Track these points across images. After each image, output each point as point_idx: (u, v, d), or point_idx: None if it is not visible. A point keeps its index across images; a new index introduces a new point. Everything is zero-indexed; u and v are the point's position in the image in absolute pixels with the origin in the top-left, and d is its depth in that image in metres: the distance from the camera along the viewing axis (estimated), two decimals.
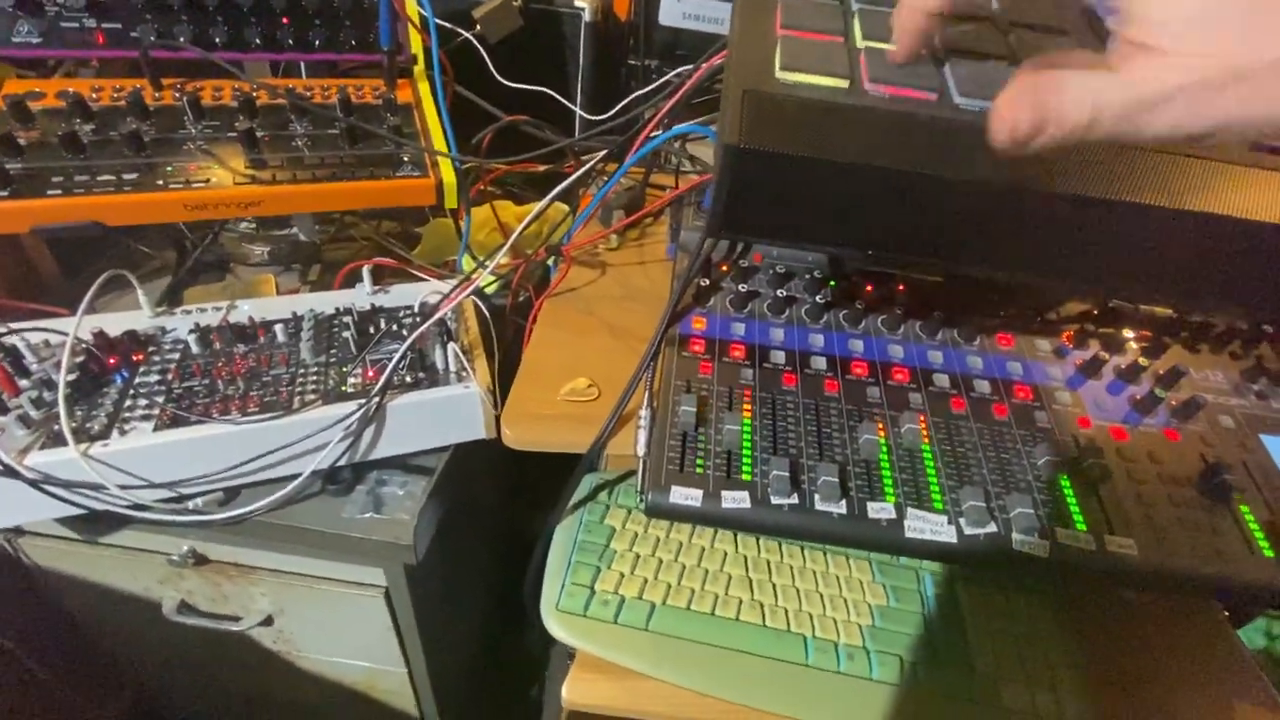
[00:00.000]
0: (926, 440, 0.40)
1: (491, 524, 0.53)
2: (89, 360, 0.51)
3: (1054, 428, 0.41)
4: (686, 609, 0.43)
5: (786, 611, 0.43)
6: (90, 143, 0.49)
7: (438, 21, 0.63)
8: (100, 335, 0.53)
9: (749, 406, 0.40)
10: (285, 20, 0.57)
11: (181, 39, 0.54)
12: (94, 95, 0.53)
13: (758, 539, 0.46)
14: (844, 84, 0.28)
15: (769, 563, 0.45)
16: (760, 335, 0.45)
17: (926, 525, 0.36)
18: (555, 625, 0.42)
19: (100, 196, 0.47)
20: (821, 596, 0.44)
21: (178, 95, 0.54)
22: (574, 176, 0.52)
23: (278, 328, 0.56)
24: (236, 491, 0.53)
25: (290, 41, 0.57)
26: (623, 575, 0.44)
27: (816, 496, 0.36)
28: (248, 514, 0.52)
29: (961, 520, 0.36)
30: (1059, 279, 0.36)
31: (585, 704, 0.40)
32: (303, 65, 0.64)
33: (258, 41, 0.57)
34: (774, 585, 0.44)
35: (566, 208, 0.65)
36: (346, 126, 0.54)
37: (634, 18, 0.85)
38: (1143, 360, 0.45)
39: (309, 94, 0.57)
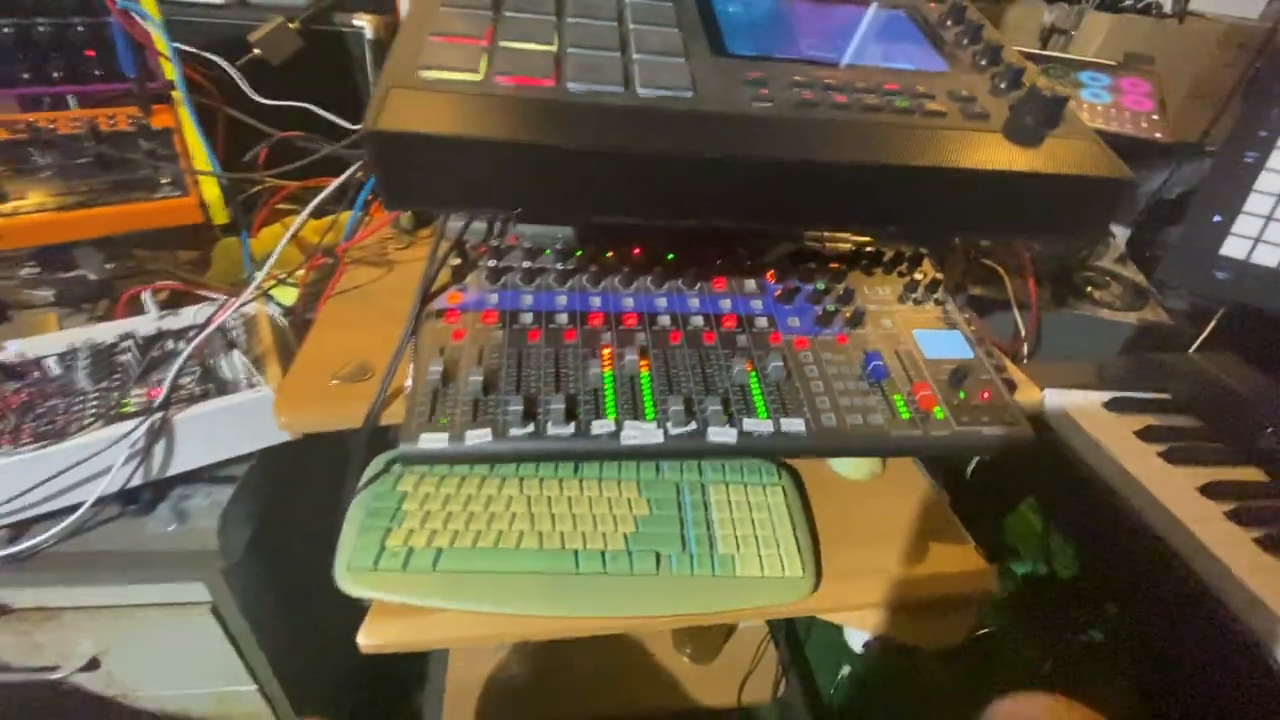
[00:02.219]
0: (645, 369, 0.48)
1: (324, 522, 0.55)
2: None
3: (750, 346, 0.51)
4: (471, 547, 0.48)
5: (561, 534, 0.50)
6: None
7: (187, 49, 0.65)
8: None
9: (496, 359, 0.47)
10: (18, 55, 0.57)
11: None
12: None
13: (539, 477, 0.53)
14: (476, 77, 0.35)
15: (548, 498, 0.52)
16: (511, 302, 0.52)
17: (639, 432, 0.44)
18: (348, 583, 0.46)
19: None
20: (593, 516, 0.51)
21: None
22: (333, 186, 0.57)
23: (50, 361, 0.56)
24: (26, 527, 0.52)
25: (26, 75, 0.57)
26: (411, 530, 0.49)
27: (549, 423, 0.43)
28: (37, 546, 0.51)
29: (668, 424, 0.44)
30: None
31: (380, 645, 0.45)
32: (71, 98, 0.63)
33: None
34: (551, 514, 0.51)
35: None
36: (97, 154, 0.55)
37: None
38: (826, 285, 0.56)
39: (53, 125, 0.57)
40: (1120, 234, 1.17)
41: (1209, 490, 0.57)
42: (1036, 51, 0.93)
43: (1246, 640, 0.48)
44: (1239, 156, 0.66)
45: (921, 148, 0.36)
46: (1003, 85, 0.43)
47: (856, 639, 0.89)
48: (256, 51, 0.80)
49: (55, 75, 0.58)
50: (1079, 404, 0.67)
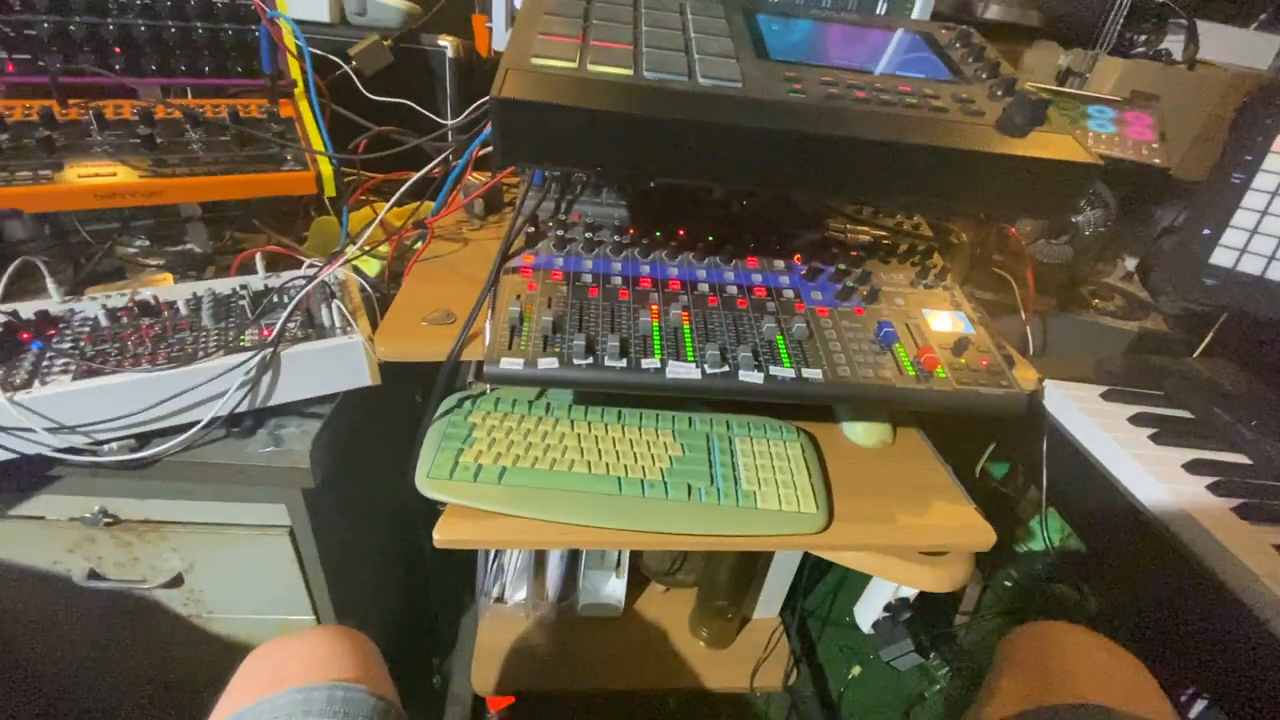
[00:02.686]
0: (687, 322, 0.56)
1: (391, 469, 0.64)
2: (5, 333, 0.59)
3: (778, 311, 0.59)
4: (531, 468, 0.56)
5: (607, 464, 0.57)
6: (7, 148, 0.59)
7: (320, 53, 0.77)
8: (14, 315, 0.61)
9: (562, 307, 0.56)
10: (178, 51, 0.69)
11: (85, 66, 0.65)
12: (6, 112, 0.62)
13: (587, 420, 0.61)
14: (573, 65, 0.44)
15: (596, 436, 0.60)
16: (574, 266, 0.61)
17: (681, 370, 0.52)
18: (426, 487, 0.54)
19: (19, 188, 0.56)
20: (634, 453, 0.59)
21: (83, 112, 0.64)
22: (424, 171, 0.67)
23: (180, 303, 0.66)
24: (148, 438, 0.61)
25: (183, 68, 0.69)
26: (481, 451, 0.57)
27: (605, 357, 0.51)
28: (159, 454, 0.60)
29: (705, 366, 0.52)
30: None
31: (451, 540, 0.53)
32: (189, 90, 0.75)
33: (153, 68, 0.68)
34: (599, 449, 0.59)
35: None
36: (236, 133, 0.66)
37: (492, 53, 1.03)
38: (847, 267, 0.64)
39: (201, 109, 0.69)
40: (1130, 261, 1.23)
41: (1192, 466, 0.62)
42: (1050, 87, 1.02)
43: (1219, 589, 0.53)
44: (1227, 178, 0.73)
45: (925, 132, 0.44)
46: (999, 92, 0.51)
47: (866, 619, 0.94)
48: (354, 63, 0.93)
49: (205, 69, 0.70)
50: (1076, 394, 0.73)
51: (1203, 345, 0.82)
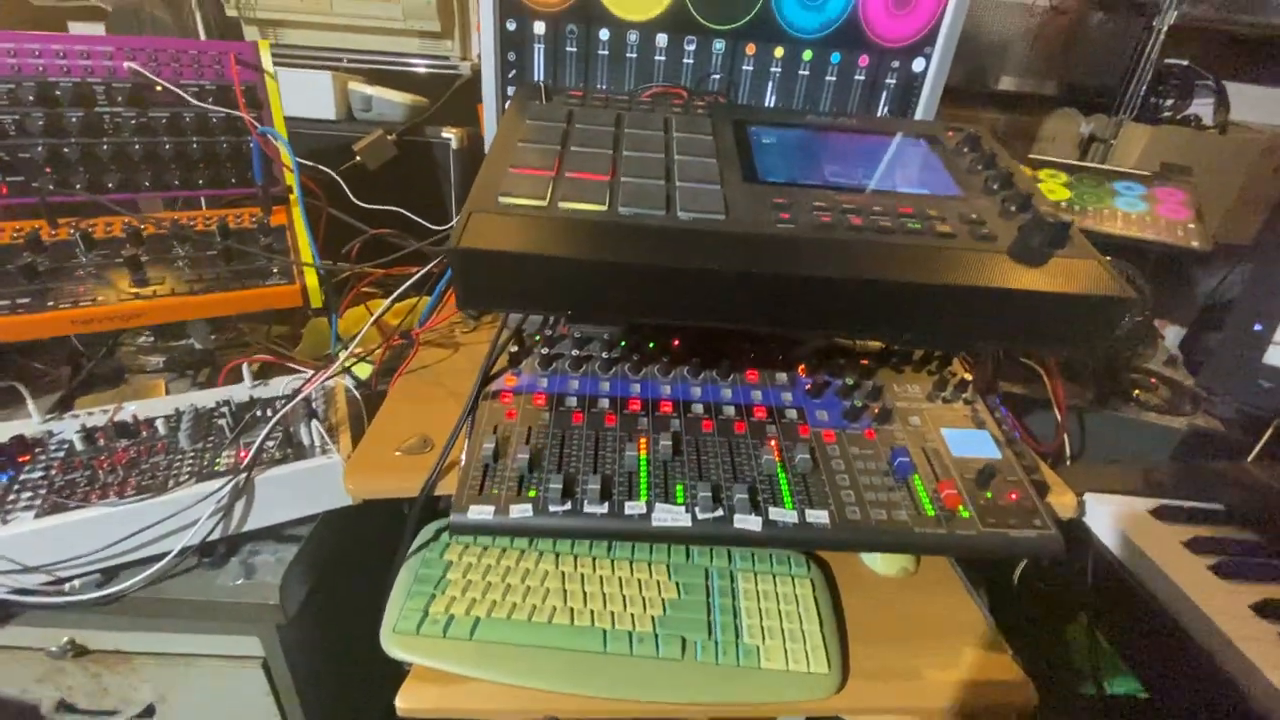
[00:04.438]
0: (677, 455, 0.51)
1: (371, 588, 0.60)
2: None
3: (779, 436, 0.54)
4: (507, 619, 0.51)
5: (592, 611, 0.52)
6: None
7: (308, 163, 0.77)
8: None
9: (542, 439, 0.51)
10: (173, 165, 0.69)
11: (78, 186, 0.65)
12: None
13: (574, 553, 0.56)
14: (543, 203, 0.42)
15: (581, 574, 0.55)
16: (559, 386, 0.57)
17: (669, 515, 0.47)
18: (392, 646, 0.50)
19: None
20: (623, 596, 0.53)
21: (72, 231, 0.64)
22: (416, 276, 0.65)
23: (159, 422, 0.64)
24: (115, 572, 0.58)
25: (177, 182, 0.69)
26: (454, 598, 0.52)
27: (585, 502, 0.47)
28: (123, 591, 0.57)
29: (696, 509, 0.47)
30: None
31: (415, 709, 0.47)
32: (180, 201, 0.76)
33: (146, 184, 0.68)
34: (584, 591, 0.54)
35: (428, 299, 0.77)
36: (223, 247, 0.65)
37: None
38: (856, 381, 0.59)
39: (192, 223, 0.68)
40: (1172, 336, 1.15)
41: (1262, 608, 0.54)
42: (1070, 162, 0.97)
43: None
44: (1273, 269, 0.67)
45: (930, 267, 0.40)
46: (1013, 209, 0.47)
47: None
48: (359, 157, 0.93)
49: (200, 182, 0.70)
50: (1123, 511, 0.65)
51: (1259, 446, 0.74)
